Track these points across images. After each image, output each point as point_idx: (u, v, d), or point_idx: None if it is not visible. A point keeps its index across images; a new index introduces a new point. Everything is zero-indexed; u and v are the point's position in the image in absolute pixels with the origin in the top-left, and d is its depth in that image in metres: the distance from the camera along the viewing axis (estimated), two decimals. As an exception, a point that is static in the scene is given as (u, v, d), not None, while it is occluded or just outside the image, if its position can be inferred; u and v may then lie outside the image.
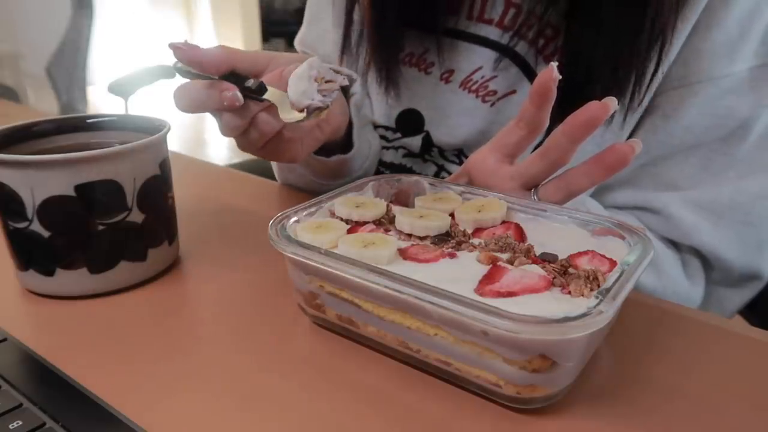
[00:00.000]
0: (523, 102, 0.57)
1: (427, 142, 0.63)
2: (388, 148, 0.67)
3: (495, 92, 0.58)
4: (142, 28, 4.47)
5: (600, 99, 0.41)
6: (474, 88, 0.59)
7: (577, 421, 0.32)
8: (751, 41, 0.50)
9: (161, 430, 0.31)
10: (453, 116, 0.60)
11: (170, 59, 0.46)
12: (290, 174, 0.65)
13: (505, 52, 0.57)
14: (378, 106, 0.65)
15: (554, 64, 0.40)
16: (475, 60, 0.58)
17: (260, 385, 0.35)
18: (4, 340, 0.38)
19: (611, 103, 0.39)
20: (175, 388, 0.34)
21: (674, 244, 0.56)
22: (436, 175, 0.64)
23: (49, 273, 0.42)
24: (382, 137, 0.66)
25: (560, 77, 0.40)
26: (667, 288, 0.54)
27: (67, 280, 0.42)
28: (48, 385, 0.34)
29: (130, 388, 0.34)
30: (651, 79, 0.51)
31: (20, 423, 0.31)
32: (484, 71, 0.58)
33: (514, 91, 0.57)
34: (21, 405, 0.32)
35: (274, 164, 0.69)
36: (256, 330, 0.40)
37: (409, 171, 0.65)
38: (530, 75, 0.56)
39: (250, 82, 0.44)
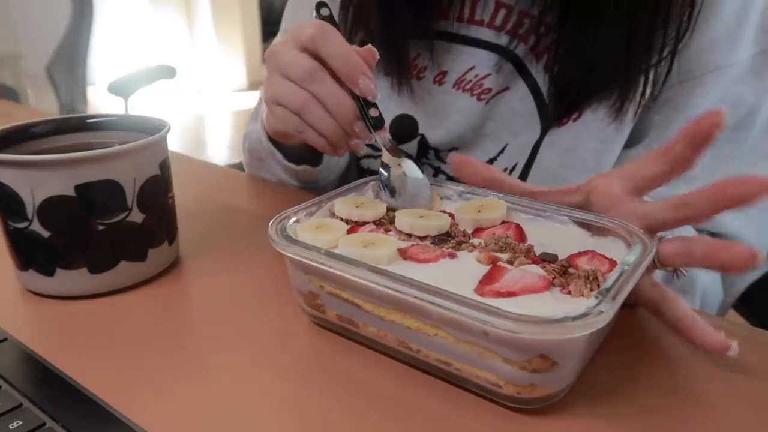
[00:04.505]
0: (514, 97, 0.56)
1: (423, 145, 0.63)
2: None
3: (489, 90, 0.58)
4: (142, 28, 4.47)
5: (600, 92, 0.39)
6: (468, 87, 0.59)
7: (577, 421, 0.32)
8: (749, 29, 0.51)
9: (161, 429, 0.31)
10: (448, 116, 0.60)
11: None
12: (260, 164, 0.66)
13: (497, 51, 0.57)
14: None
15: (725, 109, 0.35)
16: (468, 61, 0.58)
17: (260, 384, 0.35)
18: (4, 340, 0.38)
19: (721, 115, 0.35)
20: (174, 388, 0.34)
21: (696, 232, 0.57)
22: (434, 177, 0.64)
23: (49, 273, 0.42)
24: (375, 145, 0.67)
25: (727, 126, 0.35)
26: (706, 281, 0.54)
27: (67, 280, 0.42)
28: (48, 385, 0.34)
29: (130, 387, 0.34)
30: (655, 72, 0.51)
31: (20, 423, 0.31)
32: (478, 70, 0.58)
33: (507, 88, 0.58)
34: (21, 405, 0.32)
35: (244, 154, 0.70)
36: (256, 330, 0.40)
37: None
38: (523, 71, 0.57)
39: (375, 113, 0.44)
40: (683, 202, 0.37)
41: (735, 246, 0.34)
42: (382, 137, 0.45)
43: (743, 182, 0.34)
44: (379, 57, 0.44)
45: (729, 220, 0.54)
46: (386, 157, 0.45)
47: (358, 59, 0.43)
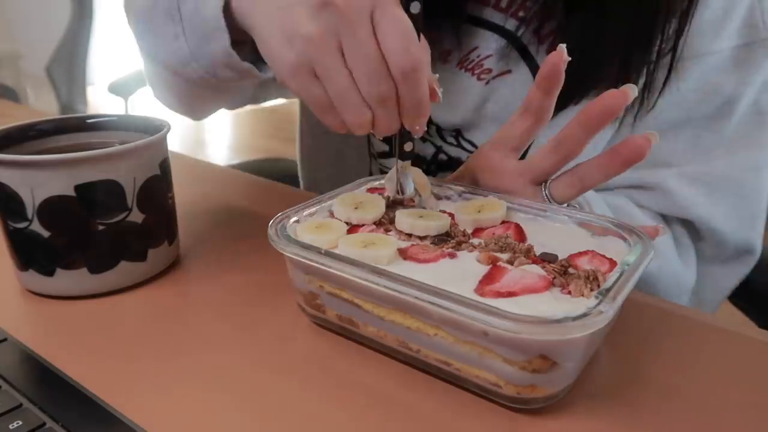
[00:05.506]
0: (516, 80, 0.56)
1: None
2: None
3: (490, 70, 0.58)
4: (142, 28, 4.46)
5: (602, 80, 0.40)
6: (470, 66, 0.59)
7: (577, 421, 0.32)
8: (735, 20, 0.51)
9: (161, 430, 0.31)
10: (451, 95, 0.60)
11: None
12: (161, 24, 0.50)
13: (505, 36, 0.57)
14: None
15: (563, 46, 0.39)
16: (473, 40, 0.58)
17: (260, 385, 0.35)
18: (4, 340, 0.38)
19: (630, 90, 0.38)
20: (174, 388, 0.34)
21: (665, 222, 0.57)
22: (434, 156, 0.64)
23: (49, 273, 0.42)
24: None
25: (569, 59, 0.39)
26: (663, 268, 0.55)
27: (67, 280, 0.42)
28: (48, 385, 0.34)
29: (130, 388, 0.34)
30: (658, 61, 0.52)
31: (20, 423, 0.31)
32: (480, 50, 0.58)
33: (509, 71, 0.58)
34: (21, 405, 0.32)
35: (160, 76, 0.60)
36: (256, 330, 0.40)
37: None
38: (526, 55, 0.57)
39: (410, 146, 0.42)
40: (558, 140, 0.41)
41: (629, 139, 0.39)
42: (405, 173, 0.44)
43: (605, 96, 0.39)
44: None
45: (704, 209, 0.55)
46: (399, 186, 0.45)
47: (428, 102, 0.38)
